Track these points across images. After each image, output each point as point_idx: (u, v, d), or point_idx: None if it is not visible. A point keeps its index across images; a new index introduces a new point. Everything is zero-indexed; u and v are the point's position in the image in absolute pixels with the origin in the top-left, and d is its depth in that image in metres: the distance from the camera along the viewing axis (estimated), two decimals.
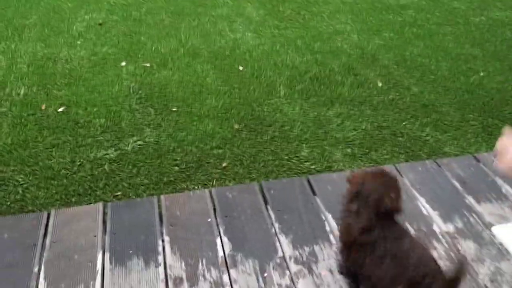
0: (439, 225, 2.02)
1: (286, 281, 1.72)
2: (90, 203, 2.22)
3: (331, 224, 1.99)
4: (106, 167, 2.48)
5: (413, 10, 4.75)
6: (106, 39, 3.91)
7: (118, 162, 2.52)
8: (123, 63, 3.53)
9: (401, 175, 2.31)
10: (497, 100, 3.19)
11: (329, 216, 2.02)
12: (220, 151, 2.56)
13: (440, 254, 1.87)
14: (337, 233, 1.93)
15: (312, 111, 2.93)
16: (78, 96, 3.10)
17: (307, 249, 1.86)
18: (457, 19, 4.59)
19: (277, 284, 1.70)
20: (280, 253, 1.83)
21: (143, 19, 4.32)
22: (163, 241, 1.89)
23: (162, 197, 2.12)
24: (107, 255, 1.83)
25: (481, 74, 3.52)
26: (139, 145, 2.64)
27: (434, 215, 2.07)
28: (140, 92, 3.16)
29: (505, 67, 3.66)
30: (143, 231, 1.95)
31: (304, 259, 1.81)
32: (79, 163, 2.52)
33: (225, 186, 2.27)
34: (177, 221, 1.98)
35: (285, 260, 1.80)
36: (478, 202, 2.17)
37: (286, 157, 2.51)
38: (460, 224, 2.03)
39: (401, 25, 4.35)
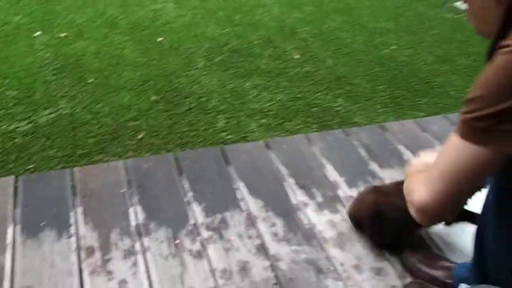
0: (344, 191, 2.15)
1: (197, 246, 1.78)
2: (1, 177, 2.17)
3: (243, 192, 2.07)
4: (18, 140, 2.42)
5: None
6: (19, 7, 3.75)
7: (31, 134, 2.47)
8: (37, 33, 3.41)
9: (311, 144, 2.42)
10: (405, 72, 3.36)
11: (241, 184, 2.10)
12: (137, 122, 2.56)
13: (343, 217, 2.00)
14: (248, 199, 2.02)
15: (230, 83, 2.98)
16: None
17: (218, 216, 1.93)
18: None
19: (188, 250, 1.76)
20: (192, 221, 1.89)
21: None
22: (75, 212, 1.90)
23: (75, 169, 2.12)
24: (18, 228, 1.82)
25: (393, 47, 3.69)
26: (53, 117, 2.59)
27: (340, 181, 2.20)
28: (55, 63, 3.08)
29: (416, 41, 3.85)
30: (56, 203, 1.94)
31: (215, 225, 1.88)
32: None
33: (141, 157, 2.29)
34: (91, 192, 1.99)
35: (196, 227, 1.86)
36: (382, 168, 2.32)
37: (203, 128, 2.55)
38: (363, 189, 2.16)
39: None
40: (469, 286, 1.50)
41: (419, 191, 1.04)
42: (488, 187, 1.35)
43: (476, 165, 0.95)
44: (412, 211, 1.07)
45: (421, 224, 1.12)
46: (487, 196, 1.42)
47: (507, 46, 0.91)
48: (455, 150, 0.97)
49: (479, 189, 1.20)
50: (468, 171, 0.96)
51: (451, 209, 1.04)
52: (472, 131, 0.94)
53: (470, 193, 1.10)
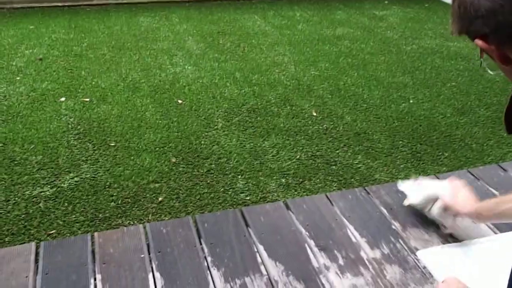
0: (367, 252, 2.10)
1: None
2: (24, 243, 2.19)
3: (263, 256, 2.04)
4: (41, 205, 2.46)
5: (349, 40, 4.96)
6: (46, 74, 3.89)
7: (53, 199, 2.50)
8: (63, 99, 3.53)
9: (332, 204, 2.39)
10: (425, 126, 3.36)
11: (261, 248, 2.08)
12: (157, 185, 2.58)
13: (367, 280, 1.95)
14: (268, 263, 1.98)
15: (249, 143, 3.01)
16: (15, 133, 3.07)
17: (238, 281, 1.89)
18: (390, 48, 4.83)
19: None
20: (211, 287, 1.86)
21: (84, 54, 4.34)
22: (95, 279, 1.89)
23: (95, 234, 2.12)
24: None
25: (411, 101, 3.70)
26: (76, 181, 2.63)
27: (362, 242, 2.15)
28: (78, 127, 3.16)
29: (433, 94, 3.86)
30: (75, 270, 1.93)
31: None
32: (14, 201, 2.49)
33: (161, 220, 2.29)
34: (110, 258, 1.98)
35: None
36: (404, 227, 2.27)
37: (222, 189, 2.56)
38: (386, 250, 2.11)
39: (337, 56, 4.53)
40: None
41: None
42: None
43: None
44: None
45: None
46: None
47: None
48: None
49: None
50: None
51: None
52: None
53: None
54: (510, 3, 0.93)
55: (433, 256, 2.11)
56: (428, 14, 6.09)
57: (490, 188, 2.59)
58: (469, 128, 3.37)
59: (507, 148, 3.14)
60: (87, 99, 3.53)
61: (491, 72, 1.09)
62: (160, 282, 1.88)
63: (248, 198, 2.50)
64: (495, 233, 2.26)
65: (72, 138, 3.04)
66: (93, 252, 2.03)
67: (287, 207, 2.35)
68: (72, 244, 2.09)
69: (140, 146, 2.95)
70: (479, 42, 1.02)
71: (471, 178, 2.71)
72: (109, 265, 1.95)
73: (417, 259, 2.07)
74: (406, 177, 2.77)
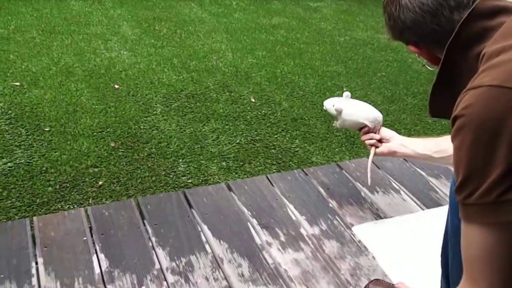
0: (306, 229, 2.19)
1: None
2: None
3: (207, 235, 2.08)
4: None
5: (284, 30, 5.05)
6: None
7: None
8: None
9: (272, 185, 2.47)
10: None
11: (205, 227, 2.12)
12: (96, 169, 2.55)
13: (307, 254, 2.04)
14: (213, 242, 2.03)
15: (189, 127, 3.02)
16: None
17: (183, 259, 1.93)
18: (324, 39, 4.96)
19: None
20: (157, 266, 1.89)
21: (11, 37, 4.15)
22: (36, 263, 1.86)
23: (35, 218, 2.08)
24: None
25: (344, 89, 3.84)
26: (9, 167, 2.54)
27: (302, 220, 2.25)
28: (9, 112, 3.04)
29: (365, 83, 4.02)
30: (16, 254, 1.90)
31: (181, 269, 1.88)
32: None
33: (102, 204, 2.27)
34: (51, 242, 1.96)
35: (162, 272, 1.86)
36: (340, 205, 2.39)
37: (163, 173, 2.57)
38: (324, 226, 2.22)
39: (273, 44, 4.61)
40: None
41: None
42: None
43: (504, 244, 0.90)
44: None
45: None
46: (447, 224, 1.49)
47: (461, 116, 0.90)
48: (477, 239, 0.92)
49: None
50: (504, 253, 0.90)
51: None
52: (480, 213, 0.89)
53: None
54: (430, 13, 1.05)
55: (367, 230, 2.25)
56: (360, 7, 6.30)
57: (417, 169, 2.77)
58: (397, 115, 3.55)
59: (431, 133, 3.34)
60: (18, 83, 3.39)
61: (431, 68, 1.23)
62: (104, 263, 1.87)
63: (190, 181, 2.52)
64: (422, 209, 2.42)
65: (3, 123, 2.92)
66: (33, 236, 1.99)
67: (229, 189, 2.41)
68: (10, 229, 2.04)
69: (77, 131, 2.88)
70: (411, 48, 1.16)
71: (401, 160, 2.88)
72: (51, 249, 1.92)
73: (353, 234, 2.19)
74: (341, 159, 2.89)
